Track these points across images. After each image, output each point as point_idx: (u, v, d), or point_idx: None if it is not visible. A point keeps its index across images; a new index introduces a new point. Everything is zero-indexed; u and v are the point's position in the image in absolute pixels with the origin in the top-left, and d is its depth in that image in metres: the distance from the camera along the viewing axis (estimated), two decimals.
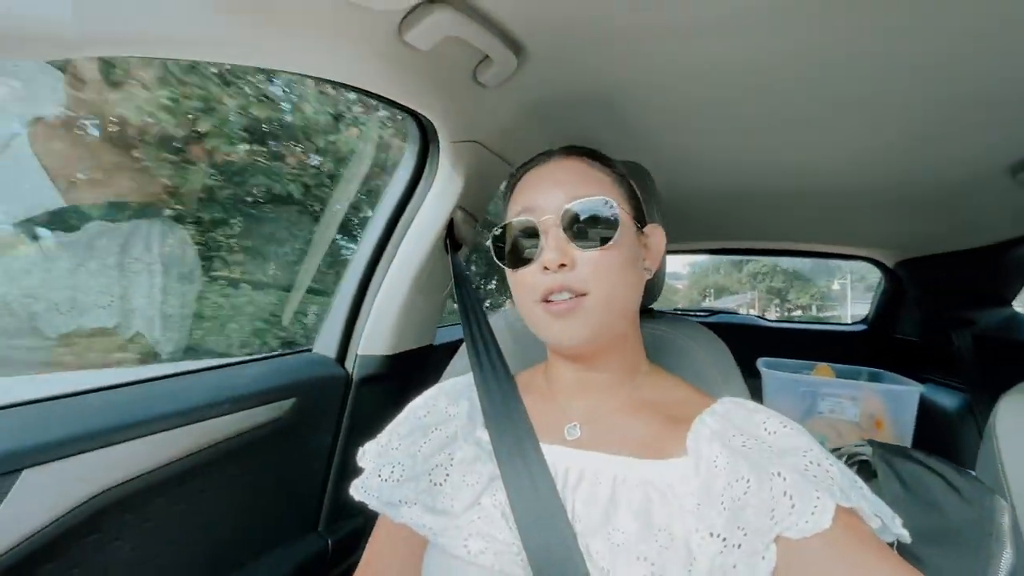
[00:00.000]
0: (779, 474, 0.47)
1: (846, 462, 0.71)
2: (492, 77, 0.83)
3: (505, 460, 0.56)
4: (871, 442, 0.71)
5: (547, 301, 0.56)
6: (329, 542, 0.99)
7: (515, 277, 0.60)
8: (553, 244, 0.56)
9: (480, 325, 0.79)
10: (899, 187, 1.32)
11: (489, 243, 0.63)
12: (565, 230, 0.56)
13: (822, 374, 1.91)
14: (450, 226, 1.06)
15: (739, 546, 0.45)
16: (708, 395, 0.63)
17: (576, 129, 1.08)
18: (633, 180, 0.66)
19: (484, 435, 0.61)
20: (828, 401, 1.71)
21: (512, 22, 0.73)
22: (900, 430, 1.60)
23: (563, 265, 0.55)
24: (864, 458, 0.69)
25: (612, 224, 0.57)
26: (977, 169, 1.14)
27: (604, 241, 0.56)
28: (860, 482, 0.50)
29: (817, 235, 2.06)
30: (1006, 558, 0.57)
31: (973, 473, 0.67)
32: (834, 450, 0.73)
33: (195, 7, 0.54)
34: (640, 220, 0.62)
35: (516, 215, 0.60)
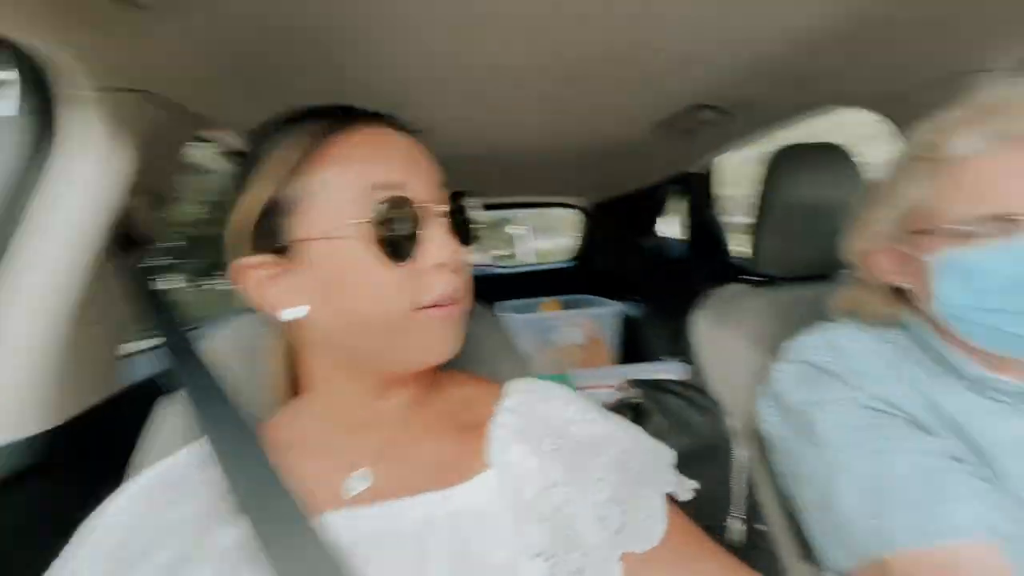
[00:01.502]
0: (601, 479, 0.45)
1: (625, 411, 0.79)
2: None
3: (273, 557, 0.40)
4: (639, 382, 0.80)
5: (431, 306, 0.45)
6: None
7: (385, 275, 0.43)
8: (447, 237, 0.46)
9: (194, 362, 0.55)
10: (578, 144, 1.52)
11: (373, 223, 0.42)
12: (451, 223, 0.48)
13: (549, 308, 2.22)
14: (122, 219, 0.71)
15: (581, 570, 0.41)
16: (489, 381, 0.57)
17: (284, 80, 0.82)
18: None
19: (225, 536, 0.42)
20: (558, 332, 2.01)
21: None
22: (610, 342, 2.02)
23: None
24: (637, 401, 0.78)
25: (475, 223, 0.53)
26: (634, 127, 1.36)
27: (474, 241, 0.52)
28: (660, 447, 0.52)
29: (525, 187, 2.30)
30: (737, 455, 0.73)
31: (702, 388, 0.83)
32: (619, 403, 0.80)
33: None
34: None
35: (371, 190, 0.43)
